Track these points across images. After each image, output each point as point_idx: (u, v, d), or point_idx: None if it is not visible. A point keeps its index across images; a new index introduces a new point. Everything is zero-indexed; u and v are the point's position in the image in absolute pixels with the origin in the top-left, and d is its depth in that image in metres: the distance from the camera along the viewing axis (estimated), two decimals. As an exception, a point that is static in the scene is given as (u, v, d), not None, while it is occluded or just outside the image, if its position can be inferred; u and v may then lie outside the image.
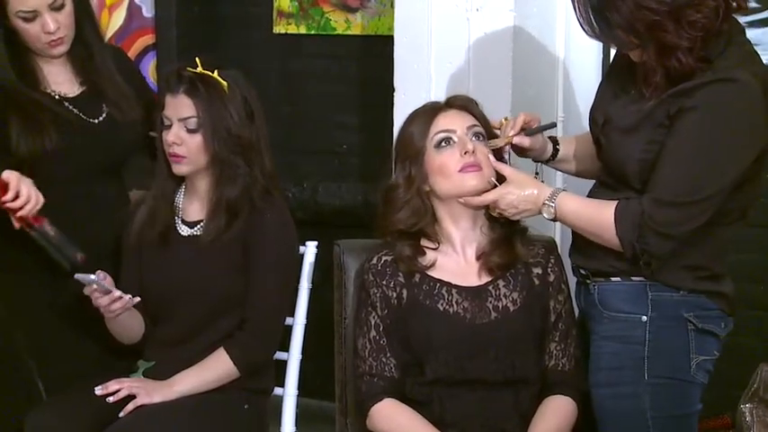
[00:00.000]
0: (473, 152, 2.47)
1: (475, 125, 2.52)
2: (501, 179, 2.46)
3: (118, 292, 2.52)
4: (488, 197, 2.44)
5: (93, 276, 2.49)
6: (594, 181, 2.54)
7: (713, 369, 2.44)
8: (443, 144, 2.49)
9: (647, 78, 2.31)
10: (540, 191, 2.41)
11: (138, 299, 2.55)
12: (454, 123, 2.51)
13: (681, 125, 2.28)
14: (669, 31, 2.24)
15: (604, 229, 2.34)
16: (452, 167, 2.47)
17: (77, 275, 2.50)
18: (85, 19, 2.84)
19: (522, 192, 2.41)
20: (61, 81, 2.83)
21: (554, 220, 2.42)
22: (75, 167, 2.78)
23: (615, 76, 2.46)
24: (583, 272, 2.49)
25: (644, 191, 2.33)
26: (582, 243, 2.43)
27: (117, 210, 2.80)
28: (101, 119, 2.81)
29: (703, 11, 2.24)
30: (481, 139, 2.52)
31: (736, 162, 2.29)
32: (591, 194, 2.48)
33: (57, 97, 2.82)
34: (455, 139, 2.50)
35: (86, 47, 2.84)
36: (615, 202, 2.34)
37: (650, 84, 2.30)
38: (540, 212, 2.42)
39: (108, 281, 2.54)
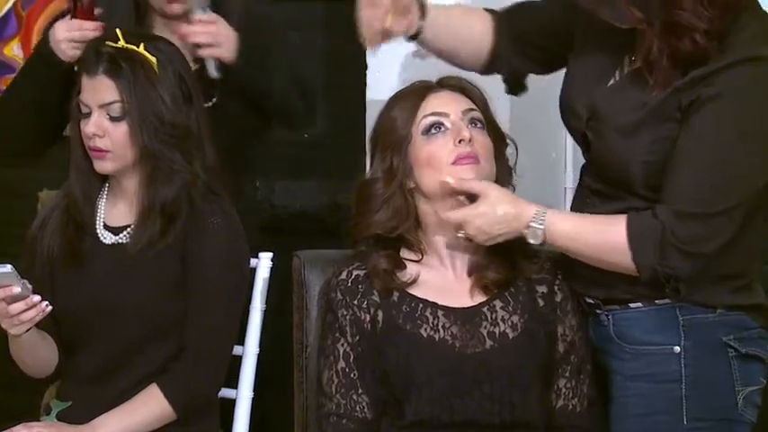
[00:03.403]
0: (469, 141, 2.46)
1: (472, 109, 2.52)
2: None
3: (36, 297, 2.51)
4: (453, 216, 2.43)
5: (8, 266, 2.48)
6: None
7: (761, 401, 2.45)
8: (433, 131, 2.49)
9: (653, 64, 2.29)
10: (519, 210, 2.39)
11: (50, 307, 2.54)
12: (447, 106, 2.50)
13: (701, 118, 2.27)
14: (686, 8, 2.24)
15: (615, 253, 2.33)
16: (444, 159, 2.47)
17: None
18: None
19: (495, 212, 2.40)
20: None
21: (541, 244, 2.40)
22: None
23: (595, 46, 2.44)
24: (590, 301, 2.48)
25: (650, 197, 2.34)
26: (582, 267, 2.41)
27: None
28: (210, 104, 2.83)
29: None
30: (479, 126, 2.51)
31: (765, 157, 2.30)
32: (580, 206, 2.48)
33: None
34: (447, 124, 2.49)
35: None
36: (623, 219, 2.33)
37: (655, 69, 2.29)
38: (520, 235, 2.40)
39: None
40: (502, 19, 2.59)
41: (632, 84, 2.35)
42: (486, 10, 2.62)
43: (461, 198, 2.44)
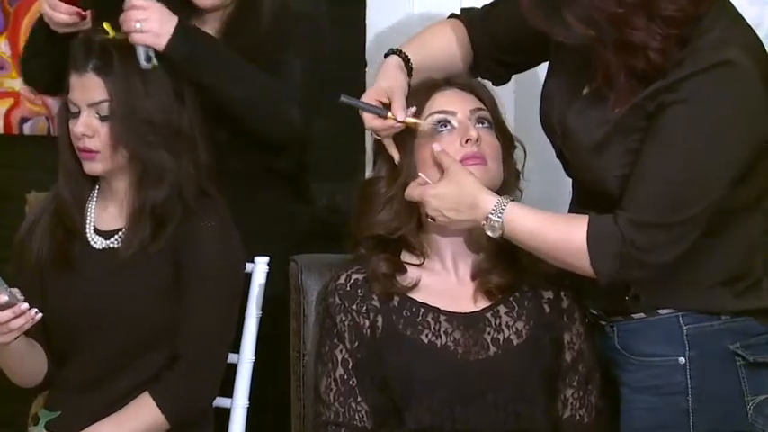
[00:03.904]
0: (477, 141, 2.44)
1: (480, 108, 2.51)
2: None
3: (25, 305, 2.48)
4: (411, 193, 2.43)
5: None
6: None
7: None
8: (440, 129, 2.48)
9: (611, 82, 2.28)
10: (478, 200, 2.37)
11: (40, 314, 2.52)
12: (454, 104, 2.49)
13: (664, 124, 2.26)
14: (637, 27, 2.22)
15: (574, 255, 2.32)
16: None
17: None
18: None
19: (452, 196, 2.38)
20: None
21: (500, 237, 2.38)
22: None
23: (563, 64, 2.44)
24: (594, 312, 2.47)
25: None
26: (581, 278, 2.38)
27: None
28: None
29: (681, 2, 2.21)
30: (487, 126, 2.50)
31: (734, 164, 2.28)
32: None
33: None
34: (454, 123, 2.48)
35: (254, 14, 2.83)
36: (584, 222, 2.31)
37: (613, 86, 2.28)
38: (479, 226, 2.38)
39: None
40: (473, 27, 2.59)
41: (595, 101, 2.33)
42: (455, 18, 2.61)
43: (423, 177, 2.42)
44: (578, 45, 2.29)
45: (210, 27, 2.86)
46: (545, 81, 2.49)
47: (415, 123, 2.45)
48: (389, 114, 2.42)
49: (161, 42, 2.63)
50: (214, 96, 2.72)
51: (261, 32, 2.83)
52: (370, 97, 2.45)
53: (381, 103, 2.44)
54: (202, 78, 2.69)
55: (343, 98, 2.44)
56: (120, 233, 2.66)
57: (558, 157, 2.47)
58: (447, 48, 2.58)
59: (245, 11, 2.86)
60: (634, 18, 2.21)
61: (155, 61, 2.61)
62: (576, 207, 2.48)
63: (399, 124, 2.43)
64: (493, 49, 2.58)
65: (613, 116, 2.29)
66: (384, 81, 2.47)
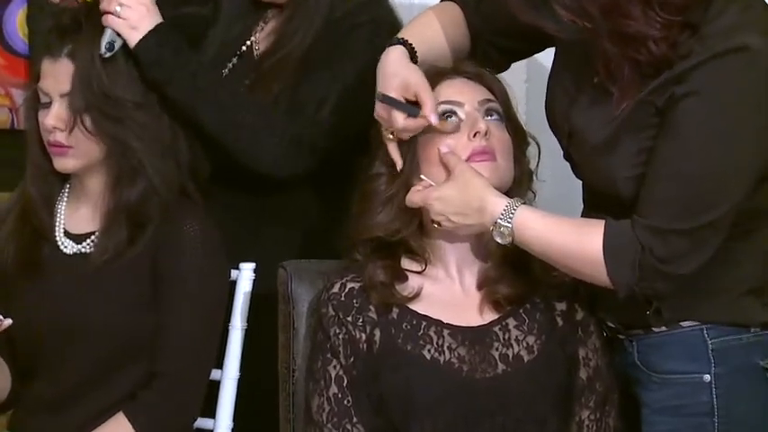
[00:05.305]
0: (485, 134, 2.40)
1: (490, 100, 2.47)
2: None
3: None
4: (412, 198, 2.41)
5: None
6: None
7: None
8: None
9: (614, 76, 2.26)
10: (485, 203, 2.34)
11: (9, 320, 2.48)
12: (462, 95, 2.46)
13: (677, 119, 2.23)
14: (634, 17, 2.19)
15: (590, 265, 2.30)
16: (457, 154, 2.44)
17: None
18: None
19: (456, 199, 2.36)
20: (265, 35, 2.88)
21: (510, 244, 2.35)
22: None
23: (567, 56, 2.42)
24: (611, 325, 2.45)
25: None
26: (596, 288, 2.35)
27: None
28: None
29: None
30: (496, 118, 2.46)
31: (756, 160, 2.25)
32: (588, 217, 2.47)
33: (256, 57, 2.84)
34: (462, 115, 2.44)
35: (305, 18, 2.78)
36: (600, 228, 2.29)
37: (617, 81, 2.26)
38: (487, 231, 2.36)
39: None
40: (468, 8, 2.56)
41: (601, 96, 2.31)
42: (451, 1, 2.58)
43: (426, 180, 2.40)
44: (573, 39, 2.25)
45: (272, 29, 2.84)
46: (550, 72, 2.46)
47: (444, 125, 2.41)
48: (421, 114, 2.38)
49: (133, 36, 2.61)
50: (181, 115, 2.68)
51: (306, 39, 2.78)
52: (394, 94, 2.40)
53: (406, 99, 2.41)
54: (167, 92, 2.65)
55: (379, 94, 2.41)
56: (92, 237, 2.64)
57: (565, 157, 2.43)
58: (446, 34, 2.54)
59: (298, 13, 2.81)
60: (629, 7, 2.18)
61: (115, 51, 2.58)
62: (588, 211, 2.44)
63: (428, 125, 2.39)
64: (487, 33, 2.55)
65: (620, 113, 2.27)
66: (407, 74, 2.42)
